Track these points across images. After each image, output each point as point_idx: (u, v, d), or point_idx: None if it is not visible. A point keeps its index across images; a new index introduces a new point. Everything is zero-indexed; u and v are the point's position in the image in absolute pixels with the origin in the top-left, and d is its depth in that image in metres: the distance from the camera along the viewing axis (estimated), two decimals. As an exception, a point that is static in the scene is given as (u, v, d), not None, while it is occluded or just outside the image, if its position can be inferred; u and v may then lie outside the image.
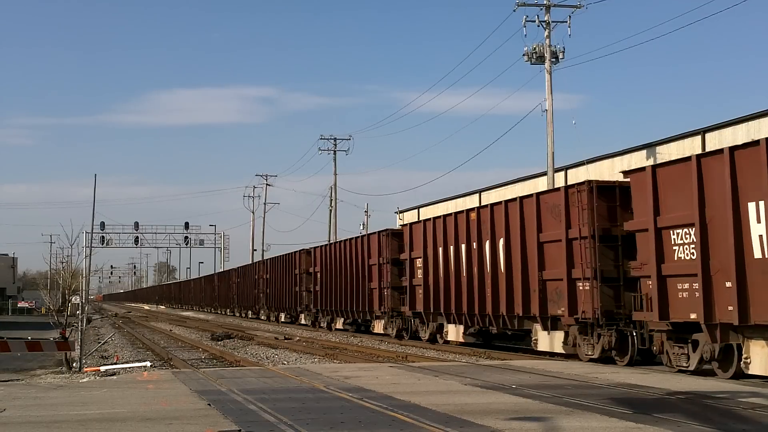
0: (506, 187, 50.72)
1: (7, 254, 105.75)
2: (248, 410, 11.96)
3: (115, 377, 17.88)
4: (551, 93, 39.38)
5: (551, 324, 21.36)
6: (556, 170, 40.75)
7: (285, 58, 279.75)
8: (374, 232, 34.81)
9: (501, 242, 23.35)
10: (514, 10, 39.86)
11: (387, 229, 33.26)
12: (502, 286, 23.24)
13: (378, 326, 34.25)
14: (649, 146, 38.42)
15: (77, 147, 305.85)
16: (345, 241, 38.99)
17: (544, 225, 21.34)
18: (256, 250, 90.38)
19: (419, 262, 28.99)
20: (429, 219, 28.80)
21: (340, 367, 19.70)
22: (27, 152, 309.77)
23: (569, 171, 44.46)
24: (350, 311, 37.17)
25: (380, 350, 26.41)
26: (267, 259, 58.16)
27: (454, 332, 26.93)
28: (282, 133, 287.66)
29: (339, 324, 39.89)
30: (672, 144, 36.94)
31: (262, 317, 57.28)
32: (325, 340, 32.93)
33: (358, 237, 37.12)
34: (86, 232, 27.22)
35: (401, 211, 68.15)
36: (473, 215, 25.13)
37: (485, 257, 24.27)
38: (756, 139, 16.16)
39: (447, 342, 27.54)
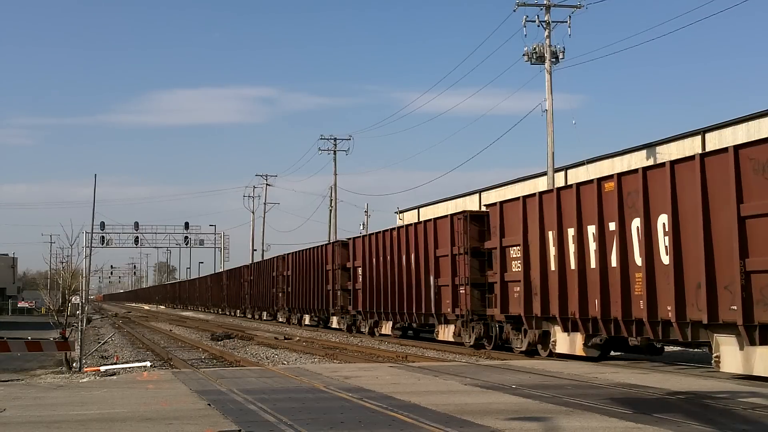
0: (506, 187, 50.82)
1: (7, 254, 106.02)
2: (248, 410, 11.95)
3: (115, 377, 17.87)
4: (551, 93, 39.46)
5: (760, 335, 15.03)
6: (556, 170, 40.82)
7: (285, 58, 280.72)
8: (443, 216, 28.26)
9: (661, 220, 17.13)
10: (514, 10, 40.01)
11: (464, 212, 26.38)
12: (664, 281, 16.97)
13: (445, 332, 27.42)
14: (649, 146, 38.50)
15: (77, 147, 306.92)
16: (399, 228, 31.94)
17: (748, 192, 15.03)
18: (256, 250, 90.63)
19: (515, 252, 22.64)
20: (531, 195, 22.01)
21: (340, 367, 19.69)
22: (27, 152, 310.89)
23: (569, 171, 44.55)
24: (404, 314, 30.61)
25: (380, 350, 26.37)
26: (288, 254, 49.97)
27: (566, 342, 20.67)
28: (282, 133, 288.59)
29: (386, 329, 33.29)
30: (672, 144, 37.04)
31: (281, 319, 51.17)
32: (324, 340, 32.90)
33: (419, 223, 30.03)
34: (86, 232, 27.26)
35: (401, 211, 68.17)
36: (609, 185, 18.63)
37: (630, 242, 18.05)
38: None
39: (552, 355, 21.30)
